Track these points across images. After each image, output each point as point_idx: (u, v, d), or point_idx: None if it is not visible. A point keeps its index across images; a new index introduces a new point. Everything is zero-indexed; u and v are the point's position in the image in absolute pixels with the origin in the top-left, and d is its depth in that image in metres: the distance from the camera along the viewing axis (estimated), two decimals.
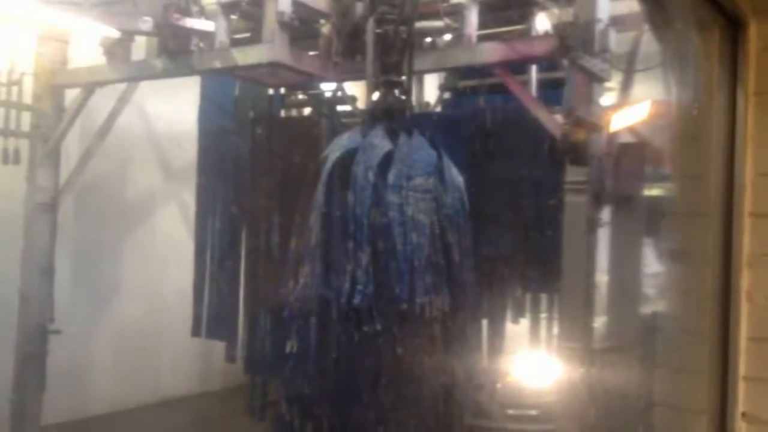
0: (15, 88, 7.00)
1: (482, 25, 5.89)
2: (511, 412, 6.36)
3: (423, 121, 6.14)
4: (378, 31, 4.73)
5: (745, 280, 2.46)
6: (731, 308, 2.48)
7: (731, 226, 2.49)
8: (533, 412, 6.35)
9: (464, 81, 7.45)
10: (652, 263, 5.57)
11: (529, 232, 6.49)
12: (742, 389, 2.45)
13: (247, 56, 5.97)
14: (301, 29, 5.92)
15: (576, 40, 5.04)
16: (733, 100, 2.48)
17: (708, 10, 2.44)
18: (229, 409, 7.80)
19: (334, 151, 4.63)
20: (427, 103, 8.10)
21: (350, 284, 4.31)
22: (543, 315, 6.85)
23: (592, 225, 5.16)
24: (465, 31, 5.78)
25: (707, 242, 2.54)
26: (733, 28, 2.48)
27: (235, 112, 7.58)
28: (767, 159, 2.44)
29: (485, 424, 6.03)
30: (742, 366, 2.45)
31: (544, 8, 5.91)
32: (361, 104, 6.76)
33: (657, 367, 2.91)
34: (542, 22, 5.97)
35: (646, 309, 5.47)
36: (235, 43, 6.23)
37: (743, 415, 2.44)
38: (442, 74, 7.63)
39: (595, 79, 5.23)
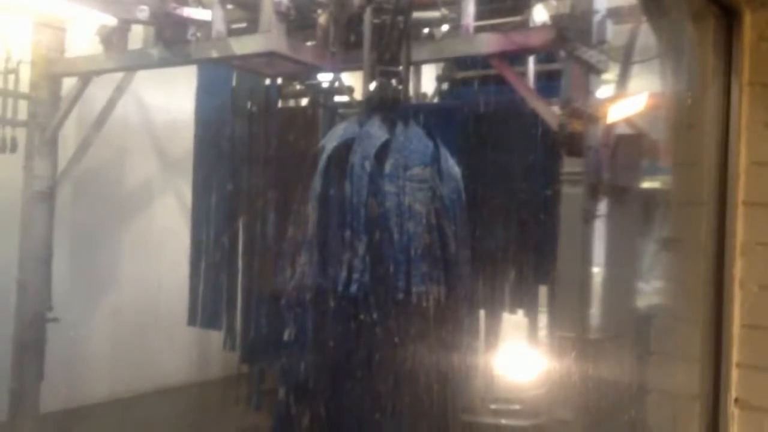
0: (12, 77, 6.99)
1: (479, 15, 5.89)
2: (494, 406, 6.31)
3: (420, 112, 6.14)
4: (375, 21, 4.74)
5: (738, 269, 2.47)
6: (724, 296, 2.50)
7: (725, 214, 2.50)
8: (517, 407, 6.32)
9: (462, 72, 7.45)
10: (647, 253, 5.60)
11: (525, 222, 6.50)
12: (735, 375, 2.47)
13: (244, 46, 5.96)
14: (298, 19, 5.92)
15: (573, 32, 5.06)
16: (728, 90, 2.49)
17: None
18: (227, 398, 7.82)
19: (330, 141, 4.65)
20: (425, 94, 8.10)
21: (347, 273, 4.34)
22: (540, 305, 6.86)
23: (589, 216, 5.19)
24: (462, 22, 5.78)
25: (701, 231, 2.55)
26: (728, 17, 2.49)
27: (232, 102, 7.58)
28: (760, 148, 2.45)
29: (470, 419, 5.99)
30: (735, 352, 2.47)
31: None
32: (358, 94, 6.75)
33: (651, 354, 2.94)
34: (540, 13, 5.98)
35: (641, 298, 5.50)
36: (232, 32, 6.23)
37: (736, 400, 2.47)
38: (440, 65, 7.63)
39: (593, 71, 5.25)
